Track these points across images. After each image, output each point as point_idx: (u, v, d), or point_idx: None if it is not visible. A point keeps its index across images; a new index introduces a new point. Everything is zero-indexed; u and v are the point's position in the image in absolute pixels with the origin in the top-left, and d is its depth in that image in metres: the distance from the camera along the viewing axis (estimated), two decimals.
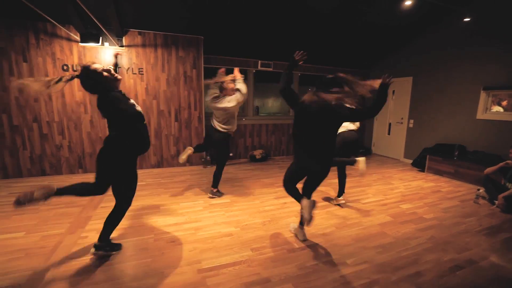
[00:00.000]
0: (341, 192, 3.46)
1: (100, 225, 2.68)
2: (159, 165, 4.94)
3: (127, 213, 2.99)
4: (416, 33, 5.57)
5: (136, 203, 3.36)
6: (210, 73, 5.20)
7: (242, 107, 5.76)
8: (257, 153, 5.88)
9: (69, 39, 4.11)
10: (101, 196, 2.97)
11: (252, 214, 3.11)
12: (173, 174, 4.62)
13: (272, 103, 6.62)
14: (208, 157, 5.19)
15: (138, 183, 2.25)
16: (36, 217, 2.92)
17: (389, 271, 2.13)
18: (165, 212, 3.12)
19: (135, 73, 4.50)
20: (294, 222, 2.91)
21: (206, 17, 4.54)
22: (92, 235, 2.55)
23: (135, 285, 1.90)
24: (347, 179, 4.37)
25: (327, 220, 3.02)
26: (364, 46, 5.90)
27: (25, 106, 4.07)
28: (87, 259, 2.18)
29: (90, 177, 4.31)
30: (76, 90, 4.25)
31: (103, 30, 3.77)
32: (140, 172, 4.34)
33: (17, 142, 4.11)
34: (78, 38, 4.09)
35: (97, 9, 3.65)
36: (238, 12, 4.36)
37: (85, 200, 3.43)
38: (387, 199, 3.72)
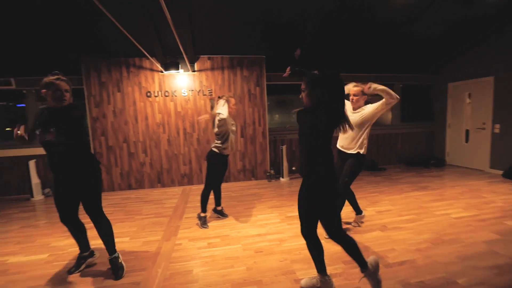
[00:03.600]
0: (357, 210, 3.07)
1: (188, 234, 2.89)
2: (226, 179, 5.18)
3: (210, 224, 3.19)
4: (499, 26, 5.03)
5: (215, 214, 3.54)
6: (272, 90, 5.43)
7: None
8: None
9: (152, 69, 4.71)
10: (183, 206, 3.25)
11: None
12: (241, 188, 4.78)
13: None
14: (272, 171, 5.27)
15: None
16: (135, 225, 3.28)
17: None
18: (245, 223, 3.23)
19: (205, 94, 4.90)
20: (378, 236, 2.75)
21: (267, 38, 4.83)
22: (185, 243, 2.75)
23: None
24: (425, 192, 4.01)
25: (417, 235, 2.78)
26: (430, 47, 5.54)
27: (118, 129, 4.70)
28: (187, 264, 2.35)
29: (167, 191, 4.67)
30: (156, 112, 4.79)
31: (184, 57, 4.24)
32: None
33: (111, 160, 4.74)
34: (159, 68, 4.67)
35: (175, 42, 4.17)
36: (297, 30, 4.54)
37: (170, 211, 3.74)
38: (483, 214, 3.29)
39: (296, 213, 3.43)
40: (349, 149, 2.75)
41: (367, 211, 3.48)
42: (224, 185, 5.01)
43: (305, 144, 1.75)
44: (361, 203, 3.78)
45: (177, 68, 4.46)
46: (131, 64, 4.64)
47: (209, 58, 4.88)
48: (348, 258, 2.35)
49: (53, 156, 2.04)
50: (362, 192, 4.33)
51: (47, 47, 4.35)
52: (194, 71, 4.80)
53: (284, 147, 5.23)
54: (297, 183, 5.00)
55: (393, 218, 3.25)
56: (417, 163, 6.15)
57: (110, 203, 4.22)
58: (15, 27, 3.90)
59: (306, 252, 2.47)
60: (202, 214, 3.17)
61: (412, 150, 6.42)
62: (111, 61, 4.57)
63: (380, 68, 5.93)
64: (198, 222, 3.20)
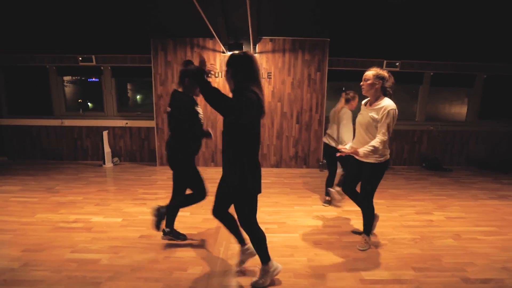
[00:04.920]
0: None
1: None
2: (277, 165, 5.16)
3: (266, 209, 3.20)
4: None
5: (270, 199, 3.56)
6: (333, 76, 5.13)
7: None
8: None
9: (214, 50, 4.75)
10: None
11: (396, 228, 2.82)
12: (293, 175, 4.71)
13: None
14: (325, 160, 5.09)
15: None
16: None
17: None
18: (301, 212, 3.18)
19: (264, 78, 4.82)
20: (451, 245, 2.48)
21: (332, 20, 4.50)
22: None
23: (304, 283, 1.95)
24: (507, 202, 3.49)
25: (503, 251, 2.44)
26: None
27: None
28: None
29: (220, 170, 4.74)
30: None
31: (249, 38, 4.18)
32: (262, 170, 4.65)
33: None
34: (221, 48, 4.69)
35: (239, 22, 4.12)
36: (363, 11, 4.13)
37: None
38: None
39: (354, 208, 3.29)
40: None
41: (434, 215, 3.16)
42: (275, 171, 5.01)
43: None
44: (426, 205, 3.48)
45: (241, 49, 4.42)
46: (195, 44, 4.73)
47: (271, 40, 4.74)
48: (419, 264, 2.18)
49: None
50: (426, 193, 3.95)
51: (121, 28, 4.65)
52: (255, 53, 4.72)
53: None
54: None
55: (468, 227, 2.90)
56: (494, 167, 5.38)
57: (170, 176, 4.50)
58: (95, 9, 4.21)
59: (369, 251, 2.35)
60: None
61: (488, 151, 5.63)
62: (177, 40, 4.71)
63: (458, 55, 5.17)
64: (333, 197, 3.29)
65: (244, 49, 4.64)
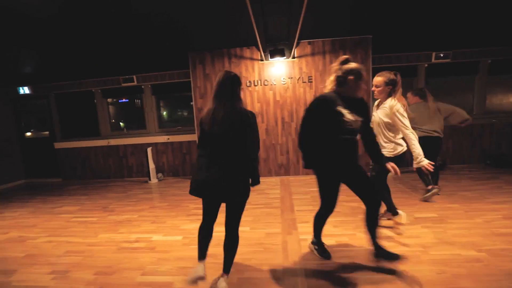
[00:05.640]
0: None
1: (308, 229, 2.73)
2: None
3: (330, 221, 2.91)
4: None
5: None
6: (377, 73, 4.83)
7: None
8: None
9: (252, 58, 4.69)
10: (289, 198, 3.10)
11: (488, 237, 2.46)
12: None
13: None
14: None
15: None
16: (249, 214, 3.31)
17: None
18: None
19: (305, 82, 4.66)
20: None
21: (372, 15, 4.26)
22: (309, 238, 2.60)
23: None
24: None
25: None
26: None
27: None
28: (326, 264, 2.19)
29: (265, 181, 4.55)
30: (256, 102, 4.79)
31: (290, 43, 4.07)
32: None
33: None
34: (258, 57, 4.61)
35: (275, 28, 4.03)
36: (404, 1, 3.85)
37: (277, 201, 3.69)
38: None
39: (428, 215, 2.96)
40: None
41: None
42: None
43: None
44: (511, 207, 3.04)
45: (282, 55, 4.32)
46: (232, 55, 4.71)
47: (309, 43, 4.59)
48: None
49: (345, 145, 1.98)
50: (505, 194, 3.48)
51: (159, 45, 4.75)
52: (294, 57, 4.59)
53: None
54: (407, 179, 4.39)
55: None
56: None
57: None
58: (133, 30, 4.34)
59: (469, 266, 2.04)
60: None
61: None
62: (214, 52, 4.72)
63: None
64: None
65: (286, 54, 4.51)
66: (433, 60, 4.86)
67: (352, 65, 1.97)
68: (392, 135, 2.54)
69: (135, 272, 2.24)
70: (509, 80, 5.16)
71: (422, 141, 2.74)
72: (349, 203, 3.36)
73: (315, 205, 3.26)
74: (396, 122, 2.43)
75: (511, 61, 4.82)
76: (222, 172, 1.77)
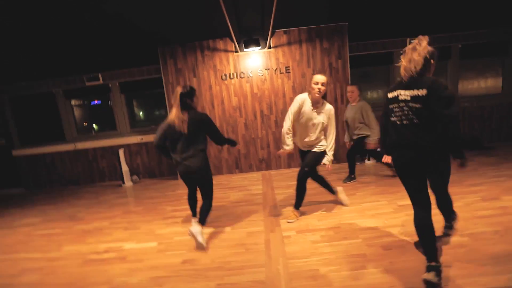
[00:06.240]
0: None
1: (292, 225, 2.61)
2: None
3: (311, 211, 2.82)
4: None
5: (311, 201, 3.22)
6: (356, 62, 4.78)
7: None
8: None
9: (226, 50, 4.47)
10: (272, 193, 2.99)
11: (469, 221, 2.45)
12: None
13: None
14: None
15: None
16: (229, 213, 3.14)
17: None
18: (353, 213, 2.83)
19: (282, 72, 4.51)
20: None
21: (348, 2, 4.19)
22: (294, 236, 2.48)
23: None
24: None
25: None
26: None
27: None
28: (308, 262, 2.07)
29: (247, 177, 4.41)
30: (232, 96, 4.59)
31: (264, 33, 3.88)
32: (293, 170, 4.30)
33: None
34: (233, 48, 4.41)
35: (249, 18, 3.84)
36: None
37: (259, 198, 3.54)
38: None
39: (407, 202, 2.92)
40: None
41: (505, 201, 2.77)
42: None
43: None
44: (489, 189, 3.08)
45: (258, 45, 4.13)
46: (205, 47, 4.46)
47: (285, 32, 4.43)
48: None
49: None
50: (482, 176, 3.55)
51: (126, 41, 4.41)
52: (270, 47, 4.42)
53: None
54: (385, 168, 4.40)
55: None
56: None
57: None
58: (97, 25, 3.97)
59: (457, 252, 1.99)
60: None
61: None
62: (186, 46, 4.45)
63: (488, 23, 4.77)
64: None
65: (261, 44, 4.31)
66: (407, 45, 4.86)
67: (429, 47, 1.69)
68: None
69: (102, 287, 2.01)
70: (478, 64, 5.31)
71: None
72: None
73: (292, 197, 3.15)
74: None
75: (480, 45, 4.93)
76: (193, 159, 2.37)
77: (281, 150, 2.75)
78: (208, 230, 2.75)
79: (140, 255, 2.41)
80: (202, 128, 2.40)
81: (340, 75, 4.54)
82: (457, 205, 2.74)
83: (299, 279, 1.87)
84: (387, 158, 2.04)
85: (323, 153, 2.70)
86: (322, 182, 2.96)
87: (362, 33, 4.68)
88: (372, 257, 2.04)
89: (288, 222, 2.73)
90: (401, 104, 1.71)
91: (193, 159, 2.35)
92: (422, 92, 1.61)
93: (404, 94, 1.70)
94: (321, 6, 4.16)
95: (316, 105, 2.60)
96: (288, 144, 2.68)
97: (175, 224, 3.01)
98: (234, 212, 3.17)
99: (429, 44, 1.69)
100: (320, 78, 2.50)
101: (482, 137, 5.10)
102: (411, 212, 2.67)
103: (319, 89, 2.48)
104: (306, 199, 3.16)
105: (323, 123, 2.62)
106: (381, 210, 2.83)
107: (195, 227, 2.35)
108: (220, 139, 2.53)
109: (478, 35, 4.86)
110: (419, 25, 4.74)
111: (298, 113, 2.61)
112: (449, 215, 2.17)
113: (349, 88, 3.72)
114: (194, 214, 2.75)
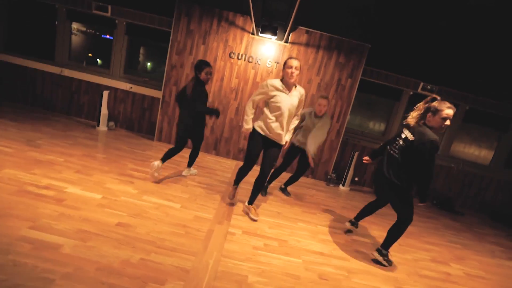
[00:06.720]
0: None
1: (242, 223, 2.53)
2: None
3: (267, 219, 2.75)
4: None
5: (272, 207, 3.16)
6: (365, 86, 4.68)
7: None
8: None
9: (243, 29, 4.26)
10: (236, 188, 2.93)
11: (411, 276, 2.43)
12: (298, 184, 4.26)
13: None
14: (334, 175, 4.68)
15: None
16: (187, 191, 3.04)
17: None
18: (305, 231, 2.78)
19: None
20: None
21: (375, 25, 4.07)
22: (238, 235, 2.40)
23: None
24: None
25: None
26: None
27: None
28: (241, 266, 2.00)
29: (221, 161, 4.34)
30: (234, 76, 4.41)
31: (287, 23, 3.70)
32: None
33: (176, 113, 4.57)
34: (252, 29, 4.21)
35: (278, 4, 3.63)
36: (409, 24, 3.70)
37: (223, 186, 3.45)
38: None
39: (365, 240, 2.90)
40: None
41: (451, 268, 2.78)
42: (283, 175, 4.60)
43: None
44: (441, 252, 3.10)
45: (274, 34, 3.94)
46: (223, 18, 4.23)
47: (307, 32, 4.25)
48: None
49: None
50: (440, 237, 3.57)
51: None
52: (287, 42, 4.24)
53: (356, 154, 4.56)
54: (359, 197, 4.38)
55: None
56: (506, 220, 5.02)
57: None
58: None
59: None
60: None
61: (506, 203, 5.26)
62: (205, 8, 4.21)
63: (499, 94, 4.74)
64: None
65: (278, 35, 4.13)
66: (419, 89, 4.80)
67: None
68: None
69: (23, 222, 1.88)
70: (476, 130, 5.31)
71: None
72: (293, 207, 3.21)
73: (260, 199, 3.08)
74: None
75: (485, 113, 4.91)
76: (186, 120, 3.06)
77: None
78: (158, 201, 2.65)
79: (78, 203, 2.29)
80: (193, 97, 2.93)
81: (345, 94, 4.43)
82: (405, 258, 2.75)
83: (224, 280, 1.80)
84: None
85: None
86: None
87: (380, 61, 4.56)
88: (305, 281, 1.99)
89: (254, 220, 2.71)
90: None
91: (186, 120, 3.04)
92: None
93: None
94: (350, 18, 4.02)
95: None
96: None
97: (128, 183, 2.89)
98: (192, 191, 3.07)
99: (439, 96, 2.23)
100: (295, 62, 2.43)
101: (455, 201, 5.15)
102: (360, 249, 2.64)
103: (292, 72, 2.42)
104: (269, 205, 3.11)
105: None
106: (334, 238, 2.79)
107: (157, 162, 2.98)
108: (197, 109, 2.97)
109: (487, 103, 4.83)
110: (437, 73, 4.69)
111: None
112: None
113: (326, 101, 3.20)
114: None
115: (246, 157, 2.71)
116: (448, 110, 2.12)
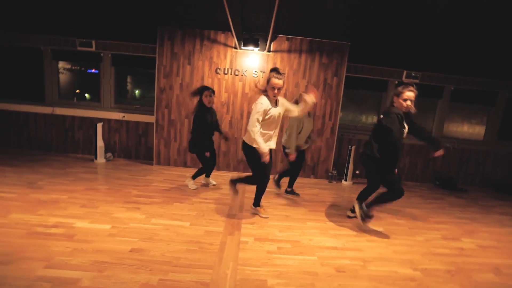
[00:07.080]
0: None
1: (253, 231, 2.56)
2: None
3: (276, 223, 2.81)
4: None
5: (279, 212, 3.19)
6: (351, 83, 4.82)
7: None
8: None
9: (225, 44, 4.40)
10: (242, 196, 2.99)
11: (426, 256, 2.47)
12: (301, 185, 4.33)
13: None
14: (335, 172, 4.74)
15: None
16: (194, 208, 3.07)
17: None
18: (315, 229, 2.81)
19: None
20: (493, 281, 2.14)
21: (353, 23, 4.22)
22: (251, 242, 2.43)
23: None
24: None
25: None
26: None
27: (182, 103, 4.55)
28: (258, 271, 2.02)
29: (222, 175, 4.37)
30: (223, 91, 4.52)
31: (266, 34, 3.84)
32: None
33: (171, 134, 4.63)
34: (232, 44, 4.35)
35: (256, 17, 3.80)
36: (387, 17, 3.86)
37: (228, 198, 3.48)
38: None
39: (374, 229, 2.93)
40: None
41: (463, 242, 2.82)
42: (282, 180, 4.64)
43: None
44: (451, 229, 3.14)
45: (256, 45, 4.08)
46: (205, 37, 4.38)
47: (287, 39, 4.40)
48: None
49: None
50: (448, 215, 3.62)
51: (127, 12, 4.27)
52: (269, 51, 4.38)
53: (353, 148, 4.65)
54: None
55: (506, 259, 2.56)
56: (510, 189, 5.10)
57: (166, 178, 4.12)
58: None
59: (402, 285, 1.99)
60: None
61: (504, 173, 5.35)
62: (186, 30, 4.35)
63: (482, 71, 4.91)
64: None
65: (260, 45, 4.27)
66: (403, 78, 4.95)
67: None
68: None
69: (38, 263, 1.89)
70: (466, 109, 5.46)
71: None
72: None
73: (266, 206, 3.11)
74: None
75: (471, 91, 5.07)
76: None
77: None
78: (167, 222, 2.67)
79: (89, 236, 2.30)
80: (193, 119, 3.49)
81: (333, 93, 4.55)
82: (417, 239, 2.79)
83: (245, 287, 1.82)
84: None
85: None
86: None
87: (362, 56, 4.72)
88: (323, 276, 2.02)
89: (265, 217, 2.96)
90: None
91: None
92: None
93: None
94: (328, 20, 4.17)
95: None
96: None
97: (135, 209, 2.91)
98: (199, 208, 3.10)
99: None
100: (280, 82, 2.61)
101: (457, 179, 5.23)
102: (372, 238, 2.69)
103: (276, 93, 2.65)
104: (276, 209, 3.15)
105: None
106: (344, 231, 2.83)
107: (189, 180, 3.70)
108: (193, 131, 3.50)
109: (471, 81, 4.99)
110: (418, 60, 4.84)
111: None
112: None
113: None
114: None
115: (262, 175, 2.82)
116: (408, 93, 2.55)
